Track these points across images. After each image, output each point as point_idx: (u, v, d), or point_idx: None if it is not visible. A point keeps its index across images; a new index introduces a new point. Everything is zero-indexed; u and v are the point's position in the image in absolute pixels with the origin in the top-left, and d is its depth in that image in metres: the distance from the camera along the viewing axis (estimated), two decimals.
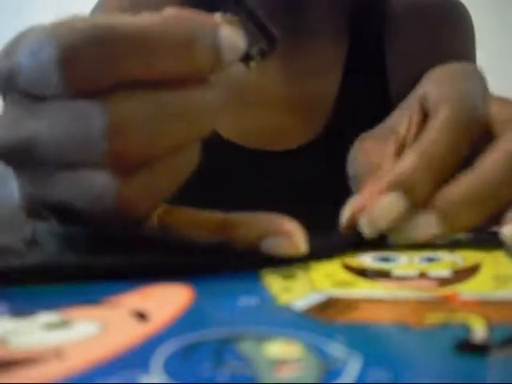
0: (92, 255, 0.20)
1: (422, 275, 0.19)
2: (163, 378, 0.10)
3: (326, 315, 0.15)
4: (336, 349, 0.12)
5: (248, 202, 0.30)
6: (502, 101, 0.30)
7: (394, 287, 0.18)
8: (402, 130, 0.30)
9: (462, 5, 0.59)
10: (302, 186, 0.53)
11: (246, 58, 0.30)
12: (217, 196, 0.51)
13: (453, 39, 0.59)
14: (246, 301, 0.16)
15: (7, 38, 0.21)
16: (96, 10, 0.58)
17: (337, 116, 0.54)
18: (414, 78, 0.57)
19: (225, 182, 0.52)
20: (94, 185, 0.20)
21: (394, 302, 0.16)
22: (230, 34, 0.21)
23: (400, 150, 0.29)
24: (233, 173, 0.52)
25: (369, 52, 0.56)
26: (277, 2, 0.51)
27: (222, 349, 0.12)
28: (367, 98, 0.56)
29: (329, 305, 0.16)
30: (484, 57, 0.60)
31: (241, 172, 0.52)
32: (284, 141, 0.53)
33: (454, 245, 0.24)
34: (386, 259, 0.22)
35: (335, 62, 0.56)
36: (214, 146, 0.37)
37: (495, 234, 0.25)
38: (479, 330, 0.13)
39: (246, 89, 0.51)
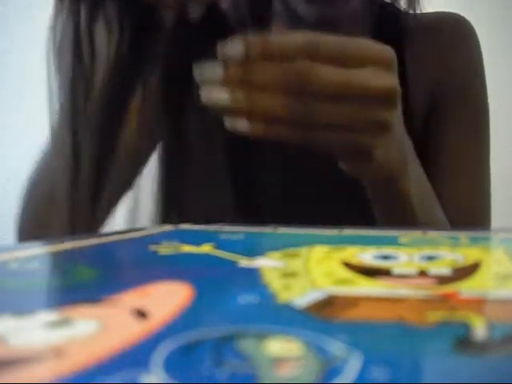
0: None
1: (422, 273, 0.19)
2: (163, 376, 0.10)
3: (326, 313, 0.15)
4: (336, 347, 0.12)
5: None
6: None
7: (394, 285, 0.18)
8: None
9: (467, 21, 0.63)
10: (324, 186, 0.55)
11: None
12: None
13: (460, 53, 0.62)
14: (246, 298, 0.16)
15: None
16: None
17: None
18: (430, 87, 0.59)
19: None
20: None
21: (394, 300, 0.16)
22: None
23: None
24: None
25: None
26: (308, 21, 0.53)
27: (222, 347, 0.12)
28: None
29: (329, 302, 0.16)
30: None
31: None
32: None
33: (454, 243, 0.24)
34: (386, 257, 0.22)
35: None
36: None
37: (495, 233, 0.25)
38: (479, 329, 0.13)
39: None
